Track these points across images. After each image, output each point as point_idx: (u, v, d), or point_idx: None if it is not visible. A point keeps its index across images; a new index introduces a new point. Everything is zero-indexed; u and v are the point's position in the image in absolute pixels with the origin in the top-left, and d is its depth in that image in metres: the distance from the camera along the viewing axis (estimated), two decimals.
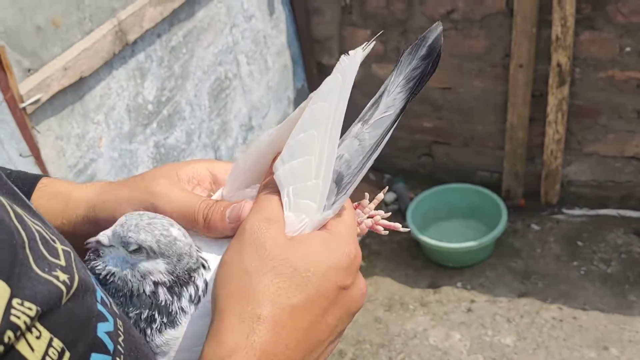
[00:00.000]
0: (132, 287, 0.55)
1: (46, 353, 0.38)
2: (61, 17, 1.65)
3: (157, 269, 0.56)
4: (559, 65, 2.48)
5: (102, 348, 0.42)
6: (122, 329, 0.46)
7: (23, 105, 1.53)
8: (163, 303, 0.56)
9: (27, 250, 0.39)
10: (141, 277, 0.56)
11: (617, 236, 2.74)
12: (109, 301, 0.48)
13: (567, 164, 2.79)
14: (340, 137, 0.64)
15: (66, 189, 0.64)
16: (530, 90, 2.59)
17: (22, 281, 0.37)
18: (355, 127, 0.66)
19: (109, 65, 1.81)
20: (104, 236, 0.56)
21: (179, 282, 0.57)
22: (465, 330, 2.48)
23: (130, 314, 0.55)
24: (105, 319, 0.44)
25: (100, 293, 0.46)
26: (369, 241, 2.89)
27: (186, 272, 0.57)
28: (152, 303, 0.55)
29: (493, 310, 2.54)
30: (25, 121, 1.55)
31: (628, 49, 2.42)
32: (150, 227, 0.55)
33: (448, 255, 2.71)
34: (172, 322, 0.56)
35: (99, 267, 0.56)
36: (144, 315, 0.55)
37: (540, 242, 2.78)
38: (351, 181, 0.63)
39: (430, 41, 0.65)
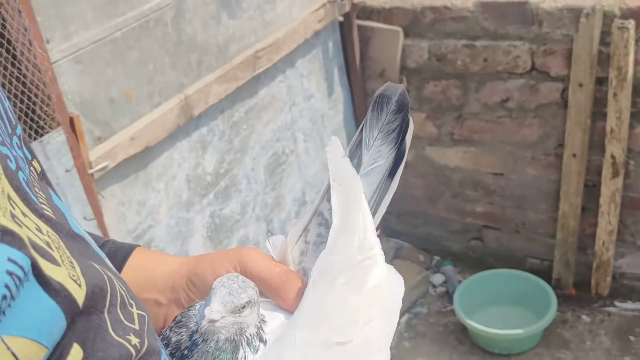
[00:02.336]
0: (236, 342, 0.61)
1: None
2: (133, 90, 1.76)
3: (254, 318, 0.62)
4: (612, 157, 2.49)
5: None
6: None
7: (91, 171, 1.63)
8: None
9: (105, 315, 0.44)
10: (241, 332, 0.61)
11: None
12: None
13: (620, 256, 2.75)
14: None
15: (161, 253, 0.72)
16: (583, 180, 2.60)
17: (96, 344, 0.42)
18: None
19: (173, 136, 1.91)
20: (215, 313, 0.59)
21: (259, 336, 0.62)
22: None
23: None
24: None
25: (164, 356, 0.50)
26: (415, 322, 2.88)
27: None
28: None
29: None
30: (92, 186, 1.64)
31: None
32: (246, 282, 0.61)
33: (494, 341, 2.67)
34: None
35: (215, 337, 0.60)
36: None
37: (591, 334, 2.72)
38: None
39: (396, 97, 0.71)
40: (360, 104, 2.84)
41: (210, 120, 2.05)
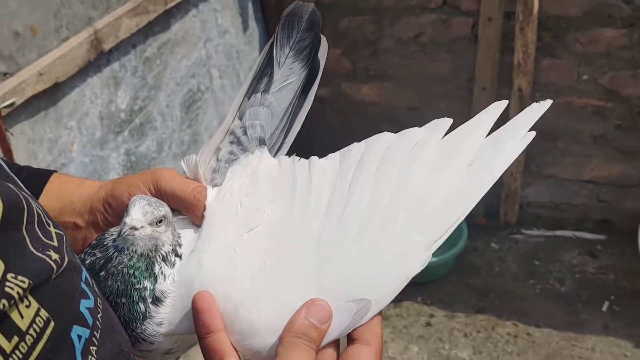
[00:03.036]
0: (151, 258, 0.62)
1: (33, 321, 0.43)
2: (39, 24, 1.70)
3: (169, 237, 0.63)
4: (520, 89, 2.59)
5: (82, 321, 0.47)
6: (101, 307, 0.51)
7: None
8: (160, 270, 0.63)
9: (24, 231, 0.44)
10: (155, 248, 0.62)
11: (572, 257, 2.84)
12: (92, 281, 0.53)
13: (527, 185, 2.89)
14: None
15: (78, 178, 0.73)
16: None
17: (17, 258, 0.42)
18: (254, 98, 0.74)
19: (83, 72, 1.86)
20: (136, 221, 0.60)
21: (174, 252, 0.64)
22: (424, 343, 2.55)
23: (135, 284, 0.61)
24: (87, 297, 0.49)
25: (85, 273, 0.51)
26: None
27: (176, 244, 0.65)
28: (152, 270, 0.62)
29: (451, 325, 2.61)
30: None
31: (585, 76, 2.54)
32: (159, 202, 0.63)
33: None
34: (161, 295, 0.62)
35: (131, 247, 0.62)
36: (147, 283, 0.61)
37: (499, 260, 2.86)
38: (278, 141, 0.72)
39: (307, 15, 0.73)
40: None
41: (122, 56, 2.01)
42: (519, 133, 0.65)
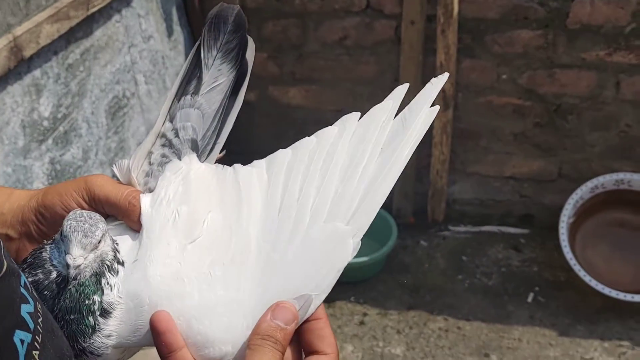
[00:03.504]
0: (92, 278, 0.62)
1: None
2: None
3: (109, 245, 0.64)
4: (443, 90, 2.65)
5: (24, 326, 0.47)
6: (40, 312, 0.51)
7: None
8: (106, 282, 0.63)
9: None
10: (102, 263, 0.63)
11: (498, 251, 2.93)
12: (31, 287, 0.53)
13: (452, 183, 2.97)
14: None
15: (7, 188, 0.72)
16: None
17: None
18: (184, 100, 0.74)
19: (3, 80, 1.81)
20: (78, 258, 0.61)
21: (116, 260, 0.65)
22: (358, 342, 2.58)
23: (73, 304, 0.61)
24: (27, 301, 0.49)
25: (23, 278, 0.50)
26: None
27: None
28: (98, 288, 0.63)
29: (384, 323, 2.65)
30: None
31: (504, 76, 2.63)
32: (93, 217, 0.63)
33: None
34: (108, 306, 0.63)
35: (78, 274, 0.62)
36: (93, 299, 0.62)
37: (428, 257, 2.93)
38: (210, 142, 0.73)
39: (232, 17, 0.74)
40: None
41: (43, 63, 1.96)
42: (423, 109, 0.69)
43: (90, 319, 0.61)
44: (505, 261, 2.88)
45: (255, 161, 0.71)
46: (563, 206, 2.72)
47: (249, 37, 0.76)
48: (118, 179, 0.71)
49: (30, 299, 0.50)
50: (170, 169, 0.71)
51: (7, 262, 0.48)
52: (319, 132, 0.71)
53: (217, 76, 0.74)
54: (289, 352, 0.63)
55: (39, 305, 0.51)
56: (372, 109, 0.71)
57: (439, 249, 2.97)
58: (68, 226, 0.62)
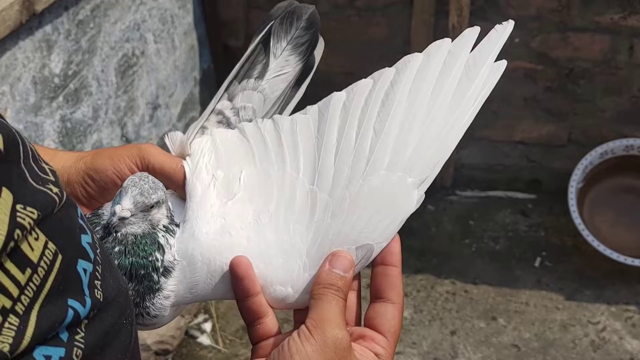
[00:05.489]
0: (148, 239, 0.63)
1: (43, 253, 0.42)
2: None
3: (163, 213, 0.64)
4: None
5: (85, 256, 0.47)
6: (97, 243, 0.50)
7: None
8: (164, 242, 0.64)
9: (22, 165, 0.43)
10: (152, 227, 0.63)
11: (505, 216, 2.93)
12: (85, 219, 0.52)
13: (460, 147, 2.95)
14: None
15: (51, 149, 0.72)
16: None
17: (21, 190, 0.41)
18: (247, 83, 0.77)
19: (15, 35, 1.78)
20: (125, 211, 0.61)
21: (173, 222, 0.65)
22: (366, 305, 2.59)
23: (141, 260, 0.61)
24: (85, 232, 0.48)
25: (79, 210, 0.50)
26: None
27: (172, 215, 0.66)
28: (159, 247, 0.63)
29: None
30: None
31: (517, 39, 2.60)
32: (156, 183, 0.63)
33: None
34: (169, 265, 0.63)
35: (122, 232, 0.62)
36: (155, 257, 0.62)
37: (435, 221, 2.93)
38: None
39: (307, 15, 0.79)
40: (209, 2, 2.77)
41: (54, 18, 1.93)
42: (488, 61, 0.66)
43: (155, 276, 0.61)
44: (513, 226, 2.89)
45: (308, 107, 0.70)
46: (571, 172, 2.71)
47: (320, 36, 0.80)
48: (168, 150, 0.73)
49: (87, 230, 0.49)
50: (197, 141, 0.72)
51: (66, 194, 0.47)
52: (375, 73, 0.69)
53: (283, 66, 0.78)
54: (351, 298, 0.64)
55: (95, 237, 0.51)
56: (429, 48, 0.68)
57: (447, 214, 2.96)
58: (130, 180, 0.62)
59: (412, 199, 0.64)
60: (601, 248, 2.55)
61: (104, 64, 2.19)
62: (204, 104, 2.83)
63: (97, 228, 0.62)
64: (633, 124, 2.70)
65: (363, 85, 0.68)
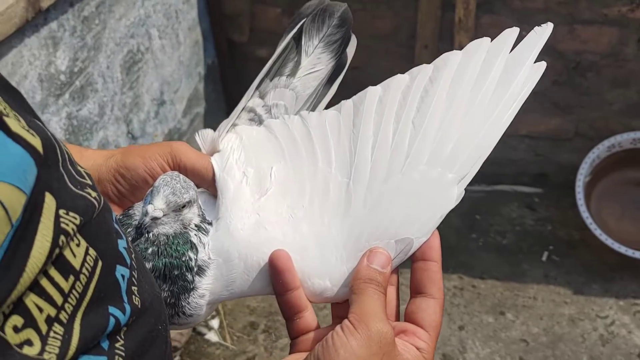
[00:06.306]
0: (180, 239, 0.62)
1: (84, 259, 0.41)
2: None
3: (194, 212, 0.63)
4: (461, 46, 2.60)
5: (123, 261, 0.46)
6: (132, 248, 0.50)
7: None
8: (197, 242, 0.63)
9: (61, 169, 0.42)
10: (184, 226, 0.62)
11: (512, 210, 2.92)
12: (119, 223, 0.51)
13: None
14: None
15: (76, 147, 0.71)
16: None
17: (62, 195, 0.40)
18: (278, 80, 0.76)
19: (21, 32, 1.76)
20: (158, 211, 0.60)
21: (205, 221, 0.64)
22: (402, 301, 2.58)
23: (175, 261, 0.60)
24: (121, 237, 0.48)
25: (114, 214, 0.49)
26: None
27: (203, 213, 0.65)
28: (193, 246, 0.62)
29: (400, 281, 2.65)
30: None
31: (524, 32, 2.57)
32: (187, 182, 0.62)
33: None
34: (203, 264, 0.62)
35: (154, 232, 0.61)
36: (188, 258, 0.61)
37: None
38: None
39: (339, 13, 0.79)
40: None
41: (59, 15, 1.91)
42: (527, 62, 0.66)
43: (189, 275, 0.60)
44: (520, 220, 2.88)
45: (343, 101, 0.70)
46: (578, 165, 2.70)
47: (352, 34, 0.80)
48: (199, 148, 0.72)
49: (122, 235, 0.49)
50: (223, 140, 0.72)
51: (102, 198, 0.46)
52: (413, 69, 0.68)
53: (315, 63, 0.77)
54: (390, 292, 0.65)
55: (129, 241, 0.50)
56: (468, 46, 0.68)
57: (453, 208, 2.95)
58: (161, 180, 0.61)
59: (452, 195, 0.64)
60: (609, 242, 2.54)
61: (109, 60, 2.17)
62: (208, 100, 2.82)
63: (129, 229, 0.61)
64: None
65: (400, 81, 0.68)
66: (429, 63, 0.70)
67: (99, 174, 0.67)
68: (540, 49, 0.67)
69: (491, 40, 0.69)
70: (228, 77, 2.89)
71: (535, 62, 0.67)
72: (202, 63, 2.79)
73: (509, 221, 2.88)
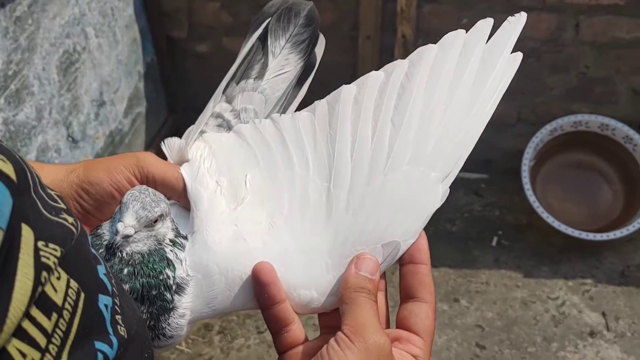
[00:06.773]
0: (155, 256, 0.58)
1: (66, 293, 0.38)
2: None
3: (168, 227, 0.59)
4: (404, 36, 2.61)
5: (104, 289, 0.43)
6: (110, 271, 0.46)
7: None
8: (172, 258, 0.59)
9: (33, 195, 0.38)
10: (158, 242, 0.57)
11: (459, 197, 2.95)
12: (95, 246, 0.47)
13: None
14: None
15: (36, 163, 0.65)
16: (378, 61, 2.70)
17: (39, 225, 0.36)
18: (246, 83, 0.73)
19: None
20: (129, 228, 0.55)
21: (180, 235, 0.60)
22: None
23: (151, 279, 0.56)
24: (99, 262, 0.44)
25: (89, 238, 0.45)
26: None
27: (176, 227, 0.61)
28: (168, 263, 0.58)
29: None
30: None
31: (465, 20, 2.59)
32: (157, 195, 0.58)
33: None
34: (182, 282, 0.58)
35: (127, 250, 0.57)
36: (167, 277, 0.57)
37: None
38: None
39: (305, 12, 0.75)
40: None
41: None
42: (504, 53, 0.65)
43: (168, 295, 0.56)
44: (468, 207, 2.90)
45: (315, 102, 0.67)
46: (522, 150, 2.74)
47: (320, 33, 0.77)
48: (166, 158, 0.68)
49: (100, 259, 0.45)
50: (192, 146, 0.69)
51: (79, 222, 0.42)
52: (387, 66, 0.66)
53: (283, 65, 0.74)
54: (379, 299, 0.62)
55: (107, 265, 0.46)
56: (444, 39, 0.66)
57: None
58: (129, 195, 0.57)
59: (437, 194, 0.62)
60: (556, 224, 2.59)
61: (45, 61, 2.08)
62: (149, 98, 2.74)
63: (100, 250, 0.56)
64: (580, 101, 2.74)
65: (375, 78, 0.65)
66: (373, 54, 0.67)
67: (60, 190, 0.62)
68: (515, 39, 0.65)
69: (466, 32, 0.66)
70: (168, 75, 2.82)
71: (513, 53, 0.65)
72: (142, 61, 2.71)
73: (457, 208, 2.90)
